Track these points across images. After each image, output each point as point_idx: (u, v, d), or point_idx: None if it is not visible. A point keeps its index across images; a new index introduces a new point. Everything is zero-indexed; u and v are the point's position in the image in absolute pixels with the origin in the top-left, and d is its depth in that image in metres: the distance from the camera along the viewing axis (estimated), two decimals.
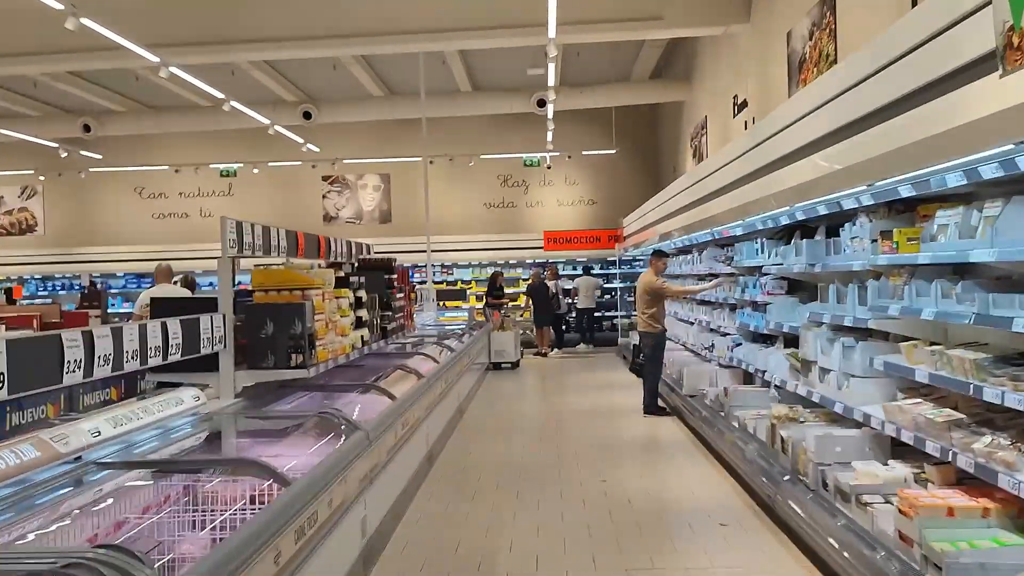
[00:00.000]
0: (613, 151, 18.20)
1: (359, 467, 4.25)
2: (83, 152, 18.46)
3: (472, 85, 16.60)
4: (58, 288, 19.41)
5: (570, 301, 16.99)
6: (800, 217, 5.39)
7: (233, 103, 13.94)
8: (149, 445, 3.85)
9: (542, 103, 15.05)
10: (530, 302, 15.84)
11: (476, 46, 12.91)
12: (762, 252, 6.85)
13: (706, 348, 8.99)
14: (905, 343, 4.27)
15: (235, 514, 3.41)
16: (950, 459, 3.50)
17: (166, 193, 20.16)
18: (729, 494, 5.72)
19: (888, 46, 3.57)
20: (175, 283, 9.66)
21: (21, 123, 17.02)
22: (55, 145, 17.53)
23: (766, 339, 7.24)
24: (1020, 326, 3.02)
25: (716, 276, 8.63)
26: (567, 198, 19.59)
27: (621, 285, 17.70)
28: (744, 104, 10.61)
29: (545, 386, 12.20)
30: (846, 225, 5.01)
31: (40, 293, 19.32)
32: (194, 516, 3.34)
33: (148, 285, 18.46)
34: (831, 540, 4.00)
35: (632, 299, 16.17)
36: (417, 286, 13.89)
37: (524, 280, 17.69)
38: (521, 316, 16.63)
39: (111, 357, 3.62)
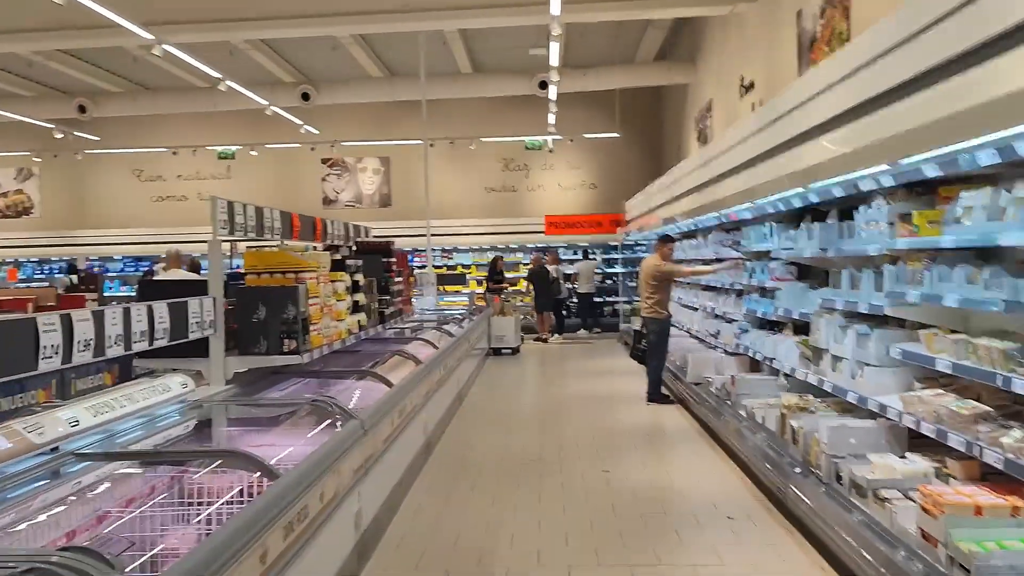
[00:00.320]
0: (616, 134, 17.94)
1: (353, 458, 4.07)
2: (79, 134, 18.21)
3: (473, 66, 16.32)
4: (55, 271, 19.21)
5: (571, 286, 16.80)
6: (813, 200, 5.19)
7: (230, 83, 13.69)
8: (133, 435, 3.67)
9: (544, 85, 14.79)
10: (531, 287, 15.64)
11: (477, 25, 12.64)
12: (771, 236, 6.63)
13: (711, 335, 8.80)
14: (925, 331, 4.08)
15: (220, 509, 3.24)
16: (975, 454, 3.32)
17: (164, 175, 19.92)
18: (736, 485, 5.55)
19: (916, 15, 3.36)
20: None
21: (15, 104, 16.76)
22: (50, 126, 17.28)
23: (774, 326, 7.04)
24: None
25: (722, 261, 8.43)
26: (569, 182, 19.35)
27: (623, 270, 17.49)
28: (751, 86, 10.37)
29: (546, 372, 12.03)
30: (861, 208, 4.80)
31: (37, 276, 19.13)
32: (176, 511, 3.16)
33: (146, 268, 18.35)
34: (847, 537, 3.82)
35: (634, 284, 16.01)
36: (417, 270, 13.71)
37: (525, 265, 17.49)
38: (522, 301, 16.44)
39: (92, 342, 3.43)
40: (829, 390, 5.05)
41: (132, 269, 19.10)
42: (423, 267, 15.10)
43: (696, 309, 9.93)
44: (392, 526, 4.81)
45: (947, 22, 3.09)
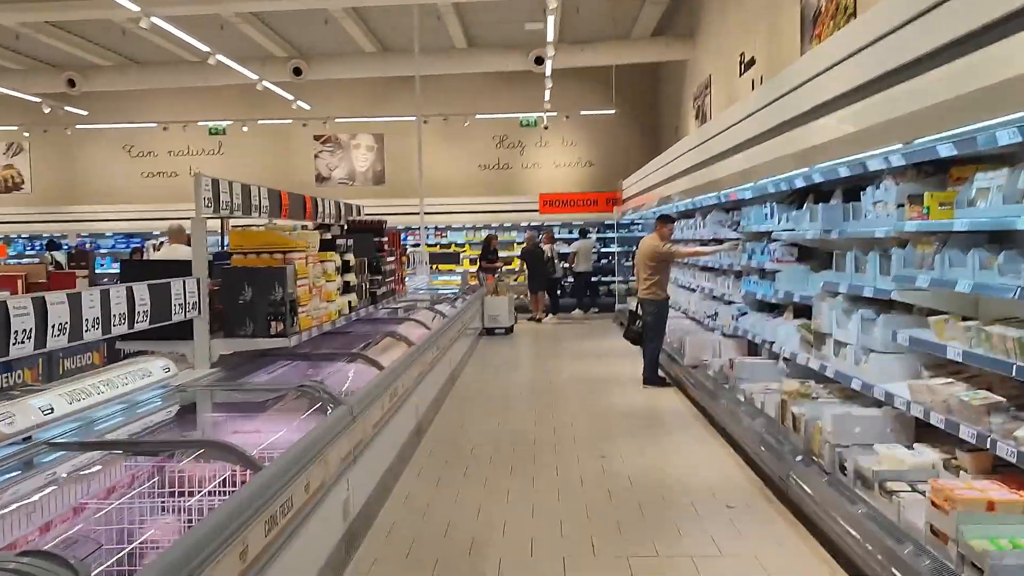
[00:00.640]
0: (612, 112, 17.70)
1: (341, 445, 3.94)
2: (68, 108, 17.90)
3: (468, 41, 16.05)
4: (60, 247, 18.98)
5: (566, 265, 16.64)
6: (817, 180, 5.03)
7: (220, 57, 13.41)
8: (112, 422, 3.52)
9: (540, 60, 14.54)
10: (525, 266, 15.48)
11: None
12: (772, 217, 6.48)
13: (709, 317, 8.67)
14: (935, 317, 3.94)
15: (202, 501, 3.10)
16: (987, 446, 3.20)
17: (155, 151, 19.64)
18: (735, 473, 5.43)
19: None
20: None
21: (4, 77, 16.46)
22: (39, 100, 16.96)
23: (773, 309, 6.92)
24: None
25: (721, 242, 8.27)
26: (564, 160, 19.13)
27: (619, 249, 17.33)
28: (752, 62, 10.17)
29: (540, 353, 11.91)
30: (868, 189, 4.65)
31: (28, 252, 18.89)
32: (155, 503, 3.02)
33: (136, 245, 18.11)
34: (850, 529, 3.70)
35: (630, 264, 15.85)
36: (410, 249, 13.53)
37: (519, 244, 17.31)
38: (515, 281, 16.29)
39: (67, 326, 3.27)
40: (831, 376, 4.92)
41: (123, 246, 18.86)
42: (416, 246, 14.94)
43: (693, 290, 9.79)
44: (382, 514, 4.69)
45: None
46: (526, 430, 6.80)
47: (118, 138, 19.45)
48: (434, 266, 15.10)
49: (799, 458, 4.60)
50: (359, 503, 4.28)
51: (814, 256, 6.28)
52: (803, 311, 5.94)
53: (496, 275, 14.64)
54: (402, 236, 17.29)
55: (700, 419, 7.06)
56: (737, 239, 7.88)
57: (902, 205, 4.20)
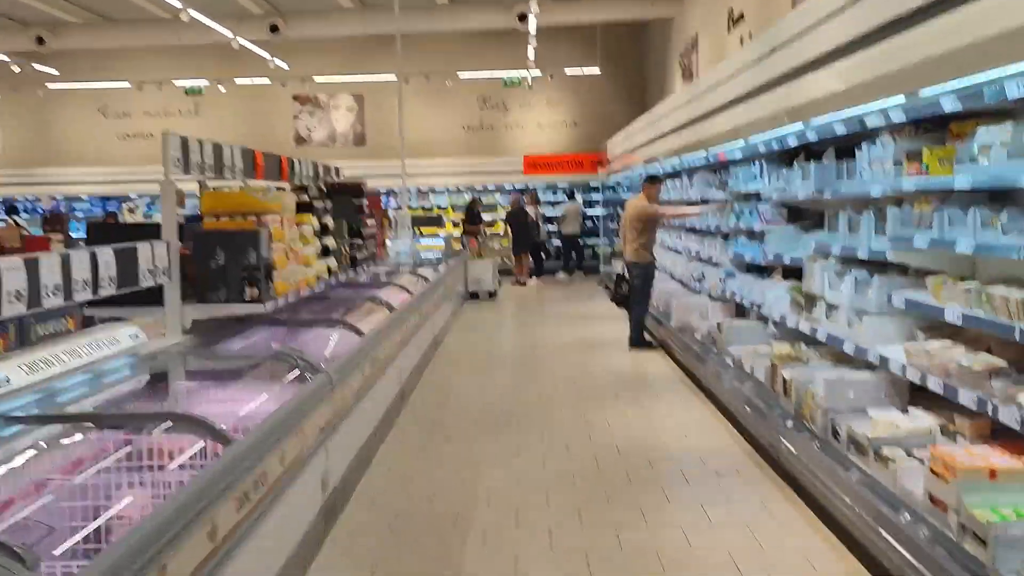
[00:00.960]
0: (597, 71, 17.39)
1: (320, 415, 3.79)
2: (39, 67, 17.35)
3: None
4: (19, 211, 18.53)
5: (551, 228, 16.46)
6: (812, 137, 4.86)
7: (193, 13, 12.98)
8: (76, 393, 3.35)
9: (523, 17, 14.19)
10: (509, 229, 15.29)
11: None
12: (761, 177, 6.33)
13: (696, 279, 8.54)
14: (932, 278, 3.82)
15: (172, 476, 2.95)
16: (988, 411, 3.09)
17: (130, 112, 19.17)
18: (724, 438, 5.34)
19: None
20: None
21: None
22: (7, 59, 16.42)
23: (762, 271, 6.79)
24: None
25: (708, 203, 8.12)
26: (548, 120, 18.83)
27: (604, 212, 17.16)
28: (740, 17, 9.93)
29: (524, 317, 11.78)
30: (864, 146, 4.49)
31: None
32: (118, 480, 2.86)
33: (114, 208, 17.74)
34: (844, 496, 3.61)
35: (615, 226, 15.69)
36: (392, 212, 13.29)
37: (503, 206, 17.09)
38: (500, 244, 16.10)
39: (24, 293, 3.08)
40: (823, 339, 4.80)
41: (99, 209, 18.48)
42: (398, 208, 14.69)
43: (680, 252, 9.66)
44: (363, 483, 4.56)
45: None
46: (511, 395, 6.68)
47: (92, 99, 18.94)
48: (417, 229, 14.89)
49: (790, 423, 4.50)
50: (339, 473, 4.15)
51: (804, 217, 6.15)
52: (792, 273, 5.81)
53: (480, 238, 14.44)
54: (384, 199, 17.09)
55: (687, 382, 6.97)
56: (724, 200, 7.74)
57: (899, 162, 4.05)
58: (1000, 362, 3.23)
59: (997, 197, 3.68)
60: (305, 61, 17.80)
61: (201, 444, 3.00)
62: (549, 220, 16.61)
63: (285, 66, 17.16)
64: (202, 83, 18.08)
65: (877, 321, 4.22)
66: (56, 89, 18.41)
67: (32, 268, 3.11)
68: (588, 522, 3.98)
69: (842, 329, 4.52)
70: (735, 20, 10.14)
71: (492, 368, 7.87)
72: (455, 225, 16.31)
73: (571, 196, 16.76)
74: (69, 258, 3.34)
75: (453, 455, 5.11)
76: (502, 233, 16.18)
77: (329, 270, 5.96)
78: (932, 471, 3.05)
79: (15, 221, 13.17)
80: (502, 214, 16.56)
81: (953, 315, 3.50)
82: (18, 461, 2.72)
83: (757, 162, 6.44)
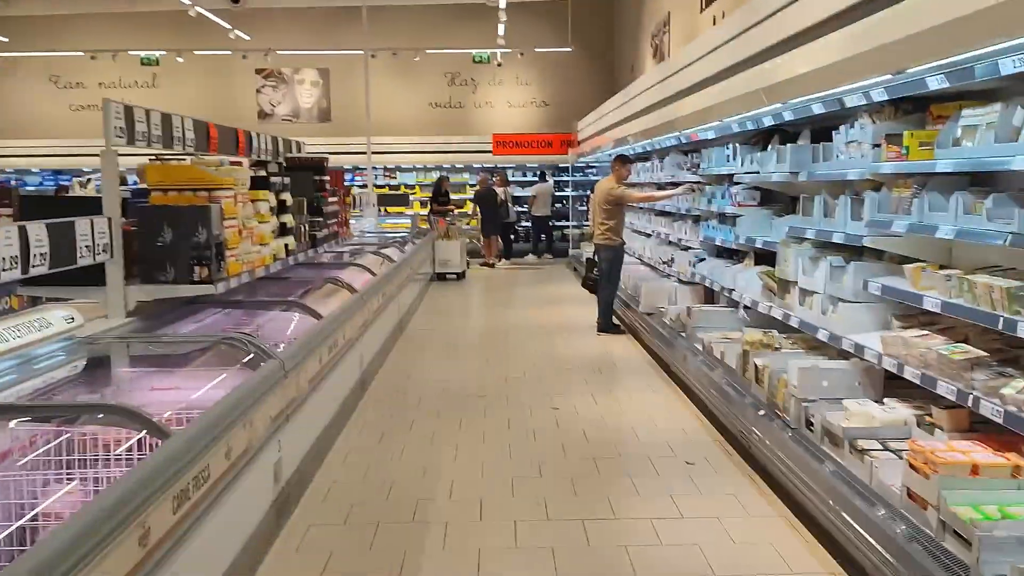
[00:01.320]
0: (568, 49, 17.13)
1: (271, 404, 3.57)
2: None
3: None
4: None
5: (520, 209, 16.25)
6: (788, 118, 4.72)
7: None
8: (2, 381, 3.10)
9: None
10: (477, 210, 15.04)
11: None
12: (734, 159, 6.19)
13: (665, 263, 8.42)
14: (911, 265, 3.70)
15: (102, 472, 2.73)
16: (968, 404, 2.97)
17: (84, 83, 18.48)
18: (694, 426, 5.22)
19: None
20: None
21: None
22: None
23: (732, 255, 6.67)
24: None
25: (678, 185, 7.98)
26: (518, 99, 18.55)
27: (574, 193, 16.98)
28: None
29: (492, 299, 11.59)
30: (842, 128, 4.36)
31: None
32: (44, 476, 2.63)
33: (67, 182, 17.14)
34: (818, 489, 3.50)
35: (585, 208, 15.51)
36: (357, 190, 12.97)
37: (471, 186, 16.82)
38: (468, 224, 15.86)
39: None
40: (796, 326, 4.68)
41: (51, 183, 17.86)
42: (364, 187, 14.37)
43: (649, 235, 9.52)
44: (320, 474, 4.36)
45: None
46: (476, 380, 6.50)
47: (43, 68, 18.23)
48: (383, 208, 14.56)
49: (762, 412, 4.38)
50: (293, 465, 3.94)
51: (777, 200, 6.03)
52: (765, 258, 5.70)
53: (447, 218, 14.19)
54: (349, 177, 16.73)
55: (656, 368, 6.85)
56: (695, 182, 7.60)
57: (878, 145, 3.92)
58: (981, 353, 3.12)
59: (978, 181, 3.56)
60: (268, 33, 17.30)
61: (138, 437, 2.78)
62: (518, 201, 16.38)
63: (246, 37, 16.65)
64: (158, 53, 17.49)
65: (852, 308, 4.10)
66: (5, 57, 17.69)
67: None
68: (554, 515, 3.82)
69: (816, 316, 4.40)
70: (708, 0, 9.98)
71: (458, 352, 7.68)
72: (422, 205, 16.01)
73: (542, 177, 16.54)
74: None
75: (415, 443, 4.92)
76: (471, 213, 15.93)
77: (287, 249, 5.70)
78: (911, 465, 2.94)
79: None
80: (470, 194, 16.30)
81: (932, 303, 3.39)
82: None
83: (730, 144, 6.29)
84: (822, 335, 4.27)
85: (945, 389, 3.13)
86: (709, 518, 3.73)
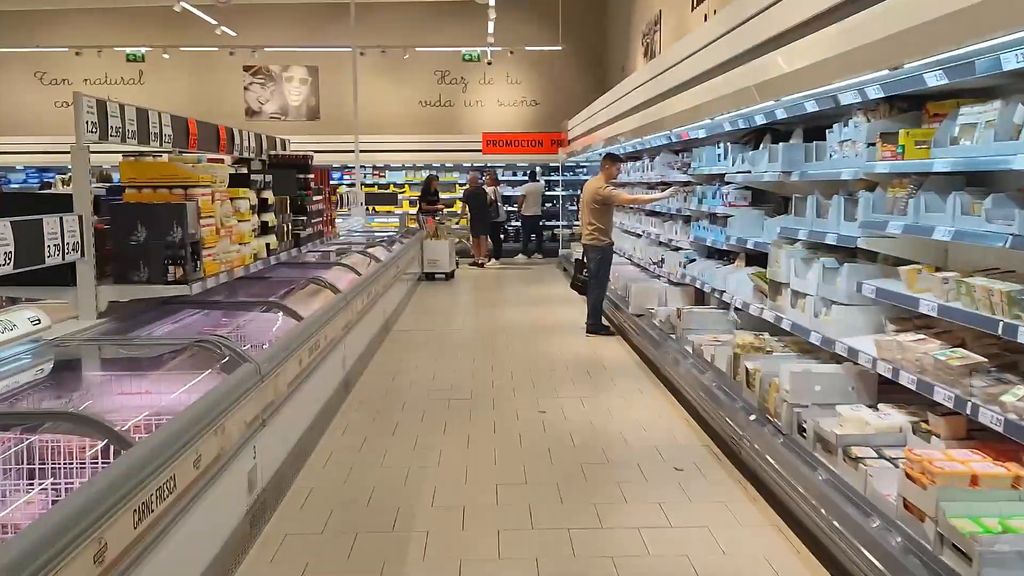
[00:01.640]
0: (559, 48, 17.02)
1: (246, 409, 3.44)
2: None
3: None
4: None
5: (510, 209, 16.12)
6: (781, 116, 4.61)
7: None
8: None
9: None
10: (467, 209, 14.91)
11: None
12: (725, 158, 6.09)
13: (655, 263, 8.32)
14: (906, 267, 3.60)
15: (63, 485, 2.60)
16: (967, 411, 2.87)
17: (70, 79, 18.22)
18: (683, 430, 5.11)
19: None
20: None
21: None
22: None
23: (723, 255, 6.57)
24: None
25: (668, 185, 7.88)
26: (508, 98, 18.42)
27: (564, 193, 16.87)
28: None
29: (481, 299, 11.46)
30: (835, 126, 4.26)
31: None
32: (3, 487, 2.50)
33: (51, 179, 16.90)
34: (810, 498, 3.39)
35: (575, 208, 15.39)
36: (346, 189, 12.82)
37: (461, 185, 16.69)
38: (457, 223, 15.73)
39: None
40: (787, 328, 4.58)
41: (35, 180, 17.65)
42: (352, 185, 14.23)
43: (639, 235, 9.42)
44: (299, 480, 4.23)
45: None
46: (463, 383, 6.38)
47: (27, 63, 18.00)
48: (371, 207, 14.43)
49: (753, 417, 4.28)
50: (270, 472, 3.81)
51: (769, 200, 5.94)
52: (756, 259, 5.60)
53: (436, 218, 14.05)
54: (338, 175, 16.57)
55: (645, 370, 6.74)
56: (678, 184, 7.52)
57: (872, 144, 3.82)
58: (979, 358, 3.02)
59: (976, 181, 3.47)
60: (255, 29, 17.12)
61: (101, 445, 2.65)
62: (508, 200, 16.26)
63: (233, 33, 16.47)
64: (144, 49, 17.29)
65: (846, 311, 4.00)
66: None
67: None
68: (539, 524, 3.70)
69: (808, 319, 4.30)
70: None
71: (444, 353, 7.55)
72: (411, 204, 15.87)
73: (533, 176, 16.43)
74: None
75: (398, 448, 4.80)
76: (460, 213, 15.80)
77: (268, 248, 5.57)
78: (907, 475, 2.83)
79: None
80: (460, 193, 16.17)
81: (928, 306, 3.29)
82: None
83: (721, 143, 6.20)
84: (815, 338, 4.17)
85: (943, 395, 3.03)
86: (698, 527, 3.62)
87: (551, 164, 17.01)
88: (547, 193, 16.82)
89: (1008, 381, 2.85)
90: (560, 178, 17.05)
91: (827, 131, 4.37)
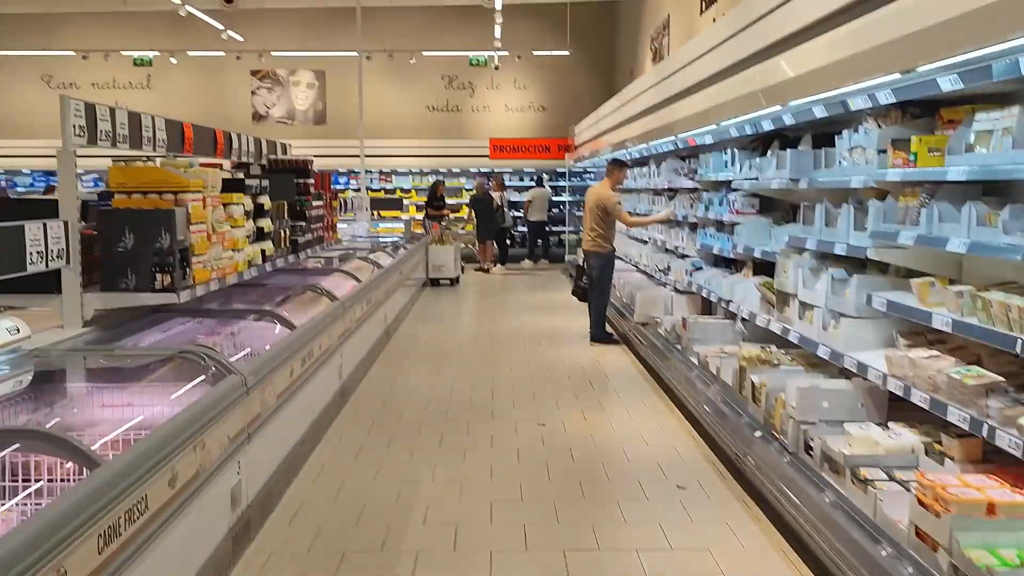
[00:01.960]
0: (566, 53, 16.91)
1: (229, 423, 3.32)
2: None
3: None
4: None
5: (516, 214, 16.01)
6: (788, 121, 4.47)
7: None
8: None
9: None
10: (473, 214, 14.80)
11: None
12: (732, 164, 5.94)
13: (661, 270, 8.17)
14: (918, 280, 3.45)
15: (25, 503, 2.48)
16: (984, 433, 2.72)
17: (77, 83, 18.27)
18: (687, 445, 4.96)
19: None
20: None
21: None
22: None
23: (730, 264, 6.42)
24: None
25: (676, 191, 7.73)
26: (516, 103, 18.32)
27: (571, 198, 16.75)
28: None
29: (485, 306, 11.34)
30: (845, 133, 4.11)
31: None
32: None
33: (54, 183, 16.90)
34: (818, 523, 3.24)
35: (581, 214, 15.26)
36: (352, 194, 12.72)
37: (467, 191, 16.58)
38: (463, 229, 15.61)
39: None
40: (795, 341, 4.43)
41: (42, 183, 17.65)
42: (358, 190, 14.14)
43: (645, 242, 9.28)
44: (288, 494, 4.10)
45: None
46: (462, 393, 6.25)
47: (35, 68, 18.04)
48: (377, 212, 14.33)
49: (758, 433, 4.13)
50: (256, 486, 3.69)
51: (777, 208, 5.78)
52: (764, 268, 5.45)
53: (442, 223, 13.94)
54: (345, 180, 16.50)
55: (649, 381, 6.59)
56: (690, 188, 7.38)
57: (884, 151, 3.67)
58: (996, 377, 2.86)
59: (994, 190, 3.32)
60: (262, 33, 17.11)
61: (68, 466, 2.53)
62: (515, 206, 16.14)
63: (239, 38, 16.44)
64: (151, 54, 17.28)
65: (855, 324, 3.85)
66: None
67: None
68: (534, 544, 3.56)
69: (816, 331, 4.15)
70: (708, 1, 9.74)
71: (445, 362, 7.42)
72: (417, 209, 15.77)
73: (539, 182, 16.31)
74: None
75: (392, 461, 4.66)
76: (466, 218, 15.69)
77: (264, 255, 5.46)
78: (920, 501, 2.68)
79: None
80: (466, 198, 16.07)
81: (942, 321, 3.13)
82: None
83: (728, 149, 6.05)
84: (823, 352, 4.01)
85: (957, 416, 2.88)
86: (700, 550, 3.47)
87: (558, 169, 16.89)
88: (553, 199, 16.71)
89: None
90: (567, 183, 16.93)
91: (836, 137, 4.23)
